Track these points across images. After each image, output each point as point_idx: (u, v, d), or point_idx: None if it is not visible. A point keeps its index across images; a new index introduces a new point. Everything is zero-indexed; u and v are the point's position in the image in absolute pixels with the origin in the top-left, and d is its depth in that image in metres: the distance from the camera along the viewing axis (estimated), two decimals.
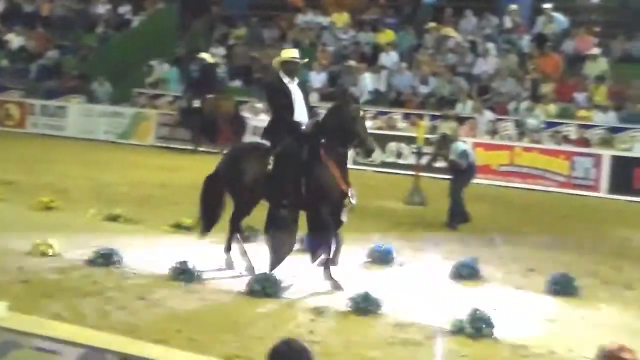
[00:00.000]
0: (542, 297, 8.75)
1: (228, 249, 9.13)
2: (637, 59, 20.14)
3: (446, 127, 17.02)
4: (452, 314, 7.46)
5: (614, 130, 18.06)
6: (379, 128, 20.20)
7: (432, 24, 22.84)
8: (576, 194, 16.70)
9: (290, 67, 9.13)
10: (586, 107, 18.95)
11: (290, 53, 9.46)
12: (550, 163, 17.46)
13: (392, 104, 21.21)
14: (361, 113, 8.70)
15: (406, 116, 20.23)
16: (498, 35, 22.18)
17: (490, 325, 7.23)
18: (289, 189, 8.58)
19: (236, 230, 9.12)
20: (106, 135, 22.61)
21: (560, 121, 18.75)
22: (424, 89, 21.10)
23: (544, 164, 17.51)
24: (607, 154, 17.08)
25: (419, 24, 23.46)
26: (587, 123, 18.49)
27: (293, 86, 9.01)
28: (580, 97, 19.28)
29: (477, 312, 7.32)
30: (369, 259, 9.81)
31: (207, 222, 9.38)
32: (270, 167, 8.68)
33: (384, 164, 19.28)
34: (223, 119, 20.53)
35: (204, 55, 21.76)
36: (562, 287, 8.85)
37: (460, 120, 18.95)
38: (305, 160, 8.61)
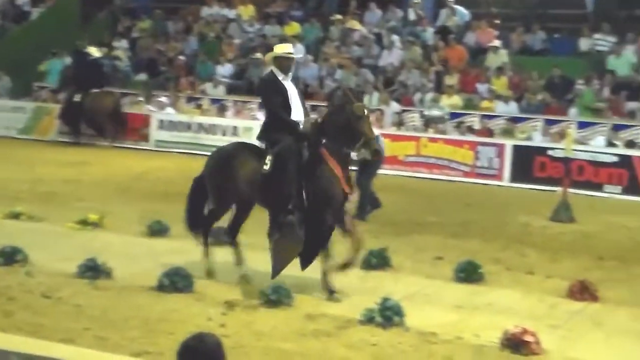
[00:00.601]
0: (449, 284, 8.93)
1: (206, 253, 8.74)
2: (535, 51, 20.74)
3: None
4: (362, 303, 7.54)
5: (515, 120, 18.55)
6: None
7: (337, 17, 22.97)
8: (480, 183, 17.09)
9: (284, 63, 8.57)
10: (488, 98, 19.41)
11: (284, 48, 8.83)
12: (455, 153, 17.80)
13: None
14: (366, 111, 8.20)
15: (313, 108, 20.29)
16: (402, 27, 22.47)
17: (399, 313, 7.34)
18: (290, 192, 8.07)
19: (207, 233, 8.78)
20: (6, 130, 21.92)
21: (464, 112, 19.15)
22: (330, 82, 21.22)
23: (449, 154, 17.84)
24: (509, 143, 17.52)
25: (325, 16, 23.57)
26: (490, 113, 18.95)
27: (288, 83, 8.53)
28: (482, 88, 19.73)
29: (387, 301, 7.42)
30: None
31: (192, 221, 8.93)
32: (266, 169, 8.21)
33: None
34: (102, 114, 20.45)
35: (91, 49, 21.52)
36: (468, 274, 9.06)
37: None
38: (306, 161, 8.14)
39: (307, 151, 8.17)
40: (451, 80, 20.04)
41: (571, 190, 13.93)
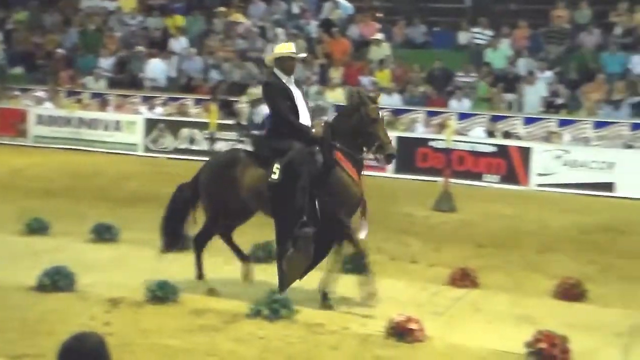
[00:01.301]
0: (336, 276, 8.99)
1: (200, 275, 8.30)
2: (417, 44, 21.15)
3: (248, 94, 16.85)
4: (250, 297, 7.53)
5: (398, 112, 18.89)
6: (170, 114, 20.02)
7: (221, 9, 22.80)
8: (365, 175, 17.28)
9: (287, 64, 8.03)
10: (372, 90, 19.66)
11: (286, 48, 8.25)
12: None
13: (183, 90, 21.03)
14: (380, 114, 7.85)
15: (198, 102, 20.14)
16: (287, 20, 22.51)
17: (287, 306, 7.36)
18: (303, 202, 7.54)
19: (202, 248, 8.33)
20: None
21: None
22: (215, 75, 21.06)
23: None
24: (392, 135, 17.77)
25: (208, 9, 23.36)
26: None
27: (292, 85, 8.01)
28: (365, 80, 19.98)
29: (274, 294, 7.43)
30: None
31: (170, 238, 8.37)
32: (274, 177, 7.68)
33: (176, 151, 19.13)
34: None
35: None
36: (354, 265, 9.14)
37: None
38: (321, 168, 7.64)
39: (321, 156, 7.68)
40: (335, 73, 20.21)
41: (452, 180, 14.29)
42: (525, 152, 16.63)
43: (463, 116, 18.19)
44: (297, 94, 7.96)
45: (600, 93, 17.85)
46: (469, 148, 16.89)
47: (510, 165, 16.68)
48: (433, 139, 17.26)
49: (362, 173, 7.83)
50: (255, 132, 12.79)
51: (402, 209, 13.64)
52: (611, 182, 15.96)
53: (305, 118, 7.93)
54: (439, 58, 19.84)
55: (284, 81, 7.96)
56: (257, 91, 13.94)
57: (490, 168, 16.80)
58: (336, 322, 7.30)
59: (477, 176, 16.80)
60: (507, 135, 17.47)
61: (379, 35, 20.97)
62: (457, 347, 6.84)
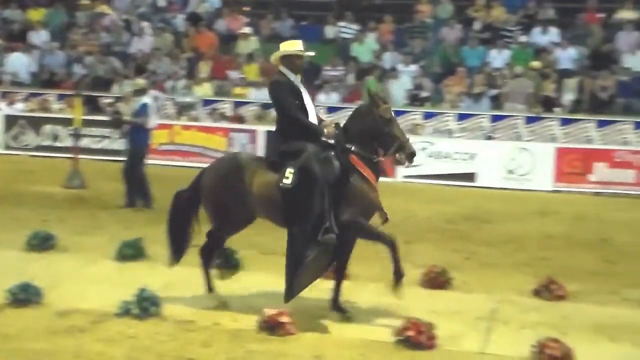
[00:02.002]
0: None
1: (210, 288, 7.88)
2: (284, 38, 21.16)
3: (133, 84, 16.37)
4: (118, 296, 7.37)
5: (267, 106, 18.88)
6: (32, 110, 19.35)
7: (84, 1, 22.18)
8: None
9: (295, 62, 7.61)
10: (240, 84, 19.62)
11: (293, 45, 7.75)
12: (209, 140, 17.86)
13: (46, 85, 20.35)
14: (393, 114, 7.51)
15: (61, 97, 19.53)
16: (153, 14, 22.13)
17: (156, 304, 7.26)
18: (323, 207, 7.14)
19: (210, 261, 7.94)
20: None
21: (217, 99, 19.25)
22: (78, 69, 20.48)
23: (202, 141, 17.87)
24: (261, 129, 17.84)
25: (71, 1, 22.67)
26: (242, 100, 19.17)
27: (300, 85, 7.58)
28: (234, 75, 19.90)
29: (144, 292, 7.30)
30: (28, 247, 9.35)
31: (178, 248, 7.92)
32: (287, 182, 7.23)
33: (39, 148, 18.53)
34: None
35: None
36: (225, 260, 9.10)
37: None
38: (337, 172, 7.26)
39: (337, 160, 7.31)
40: (203, 67, 20.04)
41: None
42: None
43: (331, 109, 18.38)
44: (305, 94, 7.57)
45: (462, 86, 18.44)
46: None
47: None
48: None
49: (379, 177, 7.49)
50: (135, 121, 12.51)
51: None
52: (473, 173, 16.52)
53: (314, 119, 7.53)
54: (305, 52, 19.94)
55: (292, 80, 7.55)
56: (142, 82, 13.62)
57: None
58: (207, 318, 7.26)
59: None
60: None
61: (247, 29, 20.93)
62: (328, 338, 6.93)
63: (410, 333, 6.78)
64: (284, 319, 6.95)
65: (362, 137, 7.36)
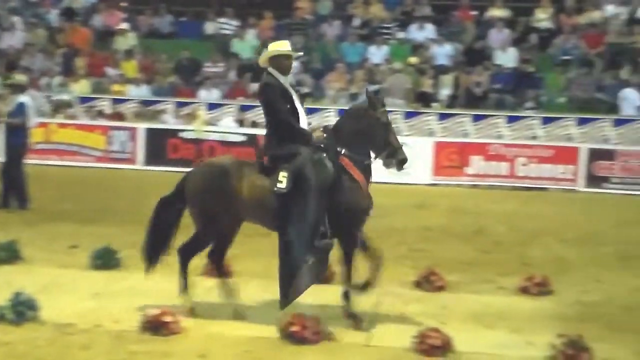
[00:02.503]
0: (86, 272, 8.74)
1: (185, 287, 7.57)
2: (163, 34, 20.93)
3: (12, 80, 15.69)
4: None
5: (147, 103, 18.61)
6: None
7: None
8: (114, 168, 16.91)
9: (283, 63, 7.37)
10: (119, 81, 19.22)
11: (281, 45, 7.51)
12: (87, 138, 17.44)
13: None
14: (389, 117, 7.36)
15: None
16: (24, 8, 21.40)
17: (33, 308, 7.02)
18: (320, 212, 7.00)
19: (187, 262, 7.56)
20: None
21: (95, 96, 18.79)
22: None
23: (80, 139, 17.41)
24: (142, 126, 17.54)
25: None
26: (121, 97, 18.79)
27: (288, 86, 7.37)
28: (112, 71, 19.48)
29: (19, 295, 7.05)
30: None
31: (155, 255, 7.64)
32: (281, 186, 7.04)
33: None
34: None
35: None
36: (105, 260, 8.93)
37: None
38: (330, 176, 7.08)
39: (329, 163, 7.13)
40: (80, 63, 19.53)
41: None
42: None
43: (212, 106, 18.26)
44: (295, 96, 7.37)
45: (342, 82, 18.64)
46: (219, 138, 16.99)
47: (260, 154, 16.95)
48: (183, 130, 17.18)
49: (370, 180, 7.32)
50: (13, 121, 12.08)
51: (154, 201, 13.41)
52: None
53: (304, 122, 7.36)
54: (186, 48, 19.77)
55: (281, 81, 7.32)
56: (23, 78, 13.11)
57: (240, 157, 16.99)
58: (88, 321, 7.09)
59: None
60: (255, 124, 17.76)
61: (124, 25, 20.51)
62: (214, 336, 6.88)
63: (295, 328, 6.80)
64: (168, 318, 6.85)
65: (354, 139, 7.21)
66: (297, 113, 7.30)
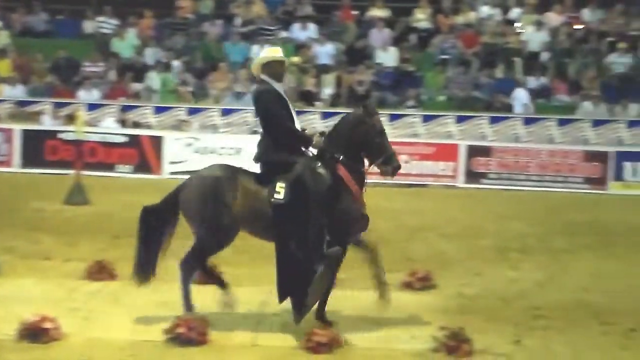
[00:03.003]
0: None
1: (189, 307, 7.20)
2: (38, 33, 20.28)
3: None
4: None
5: (23, 103, 18.00)
6: None
7: None
8: None
9: (277, 70, 7.30)
10: None
11: (274, 52, 7.47)
12: None
13: None
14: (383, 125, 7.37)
15: None
16: None
17: None
18: (321, 221, 6.92)
19: (189, 280, 7.27)
20: None
21: None
22: None
23: None
24: (17, 128, 16.97)
25: None
26: None
27: (283, 93, 7.30)
28: None
29: None
30: None
31: (147, 268, 7.36)
32: (279, 197, 6.93)
33: None
34: None
35: None
36: None
37: None
38: (327, 184, 7.01)
39: (325, 171, 7.08)
40: None
41: (84, 172, 13.97)
42: (156, 141, 16.75)
43: (92, 107, 17.83)
44: (289, 101, 7.35)
45: (225, 82, 18.53)
46: (100, 139, 16.63)
47: (143, 154, 16.70)
48: (62, 131, 16.71)
49: (363, 187, 7.26)
50: None
51: (32, 204, 13.04)
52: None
53: (298, 127, 7.31)
54: (63, 47, 19.23)
55: (276, 88, 7.26)
56: None
57: (122, 158, 16.70)
58: None
59: (110, 167, 16.62)
60: (137, 124, 17.45)
61: None
62: (95, 342, 6.73)
63: (181, 330, 6.73)
64: (48, 324, 6.65)
65: (349, 146, 7.19)
66: (294, 119, 7.28)
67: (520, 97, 17.92)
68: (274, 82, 7.30)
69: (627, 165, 16.47)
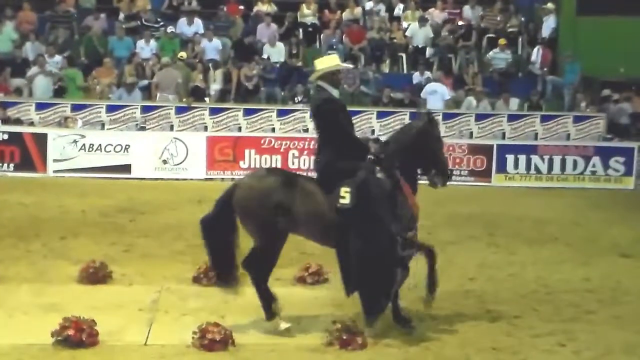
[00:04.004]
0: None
1: (271, 314, 7.21)
2: None
3: None
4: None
5: None
6: None
7: None
8: None
9: (334, 77, 7.39)
10: None
11: (335, 60, 7.60)
12: None
13: None
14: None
15: None
16: None
17: None
18: (390, 224, 7.00)
19: (262, 284, 7.21)
20: None
21: None
22: None
23: None
24: None
25: None
26: None
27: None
28: None
29: None
30: None
31: (229, 273, 7.26)
32: (345, 202, 6.96)
33: None
34: None
35: None
36: None
37: None
38: (387, 190, 7.13)
39: (385, 177, 7.19)
40: None
41: None
42: (40, 139, 16.25)
43: None
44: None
45: (111, 77, 18.14)
46: None
47: (26, 152, 16.18)
48: None
49: (416, 193, 7.40)
50: None
51: None
52: (128, 164, 16.36)
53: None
54: None
55: (335, 95, 7.36)
56: None
57: (4, 156, 16.13)
58: None
59: None
60: (18, 121, 16.87)
61: None
62: None
63: (70, 332, 6.60)
64: None
65: (407, 154, 7.32)
66: (353, 126, 7.44)
67: (443, 92, 18.09)
68: (333, 89, 7.37)
69: (509, 158, 17.03)
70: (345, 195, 7.04)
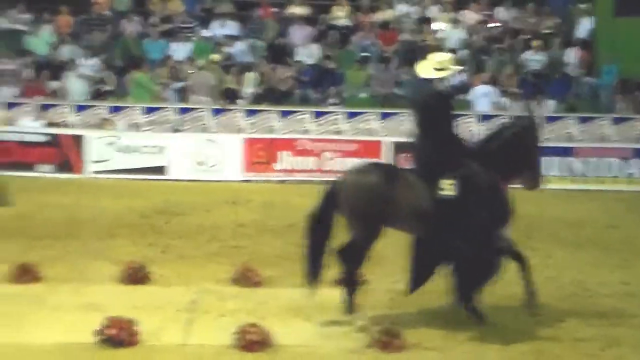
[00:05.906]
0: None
1: (352, 308, 7.45)
2: None
3: None
4: None
5: None
6: None
7: None
8: None
9: (444, 77, 7.62)
10: None
11: (446, 57, 7.84)
12: None
13: None
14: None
15: None
16: None
17: None
18: (487, 217, 7.17)
19: (353, 277, 7.46)
20: None
21: None
22: None
23: None
24: None
25: None
26: None
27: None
28: None
29: None
30: None
31: (317, 272, 7.41)
32: (448, 193, 7.14)
33: None
34: None
35: None
36: None
37: None
38: (491, 183, 7.27)
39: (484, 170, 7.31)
40: None
41: (1, 172, 13.63)
42: (77, 140, 16.43)
43: (10, 105, 17.33)
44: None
45: None
46: (18, 138, 16.24)
47: (64, 153, 16.37)
48: None
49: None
50: None
51: None
52: (162, 166, 16.48)
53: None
54: None
55: (440, 91, 7.61)
56: None
57: (42, 158, 16.32)
58: None
59: (29, 167, 16.22)
60: (56, 123, 17.06)
61: None
62: (22, 348, 6.59)
63: (112, 331, 6.66)
64: None
65: (512, 156, 7.44)
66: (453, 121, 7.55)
67: (489, 94, 18.02)
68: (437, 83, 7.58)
69: (545, 160, 16.80)
70: (448, 187, 7.17)
